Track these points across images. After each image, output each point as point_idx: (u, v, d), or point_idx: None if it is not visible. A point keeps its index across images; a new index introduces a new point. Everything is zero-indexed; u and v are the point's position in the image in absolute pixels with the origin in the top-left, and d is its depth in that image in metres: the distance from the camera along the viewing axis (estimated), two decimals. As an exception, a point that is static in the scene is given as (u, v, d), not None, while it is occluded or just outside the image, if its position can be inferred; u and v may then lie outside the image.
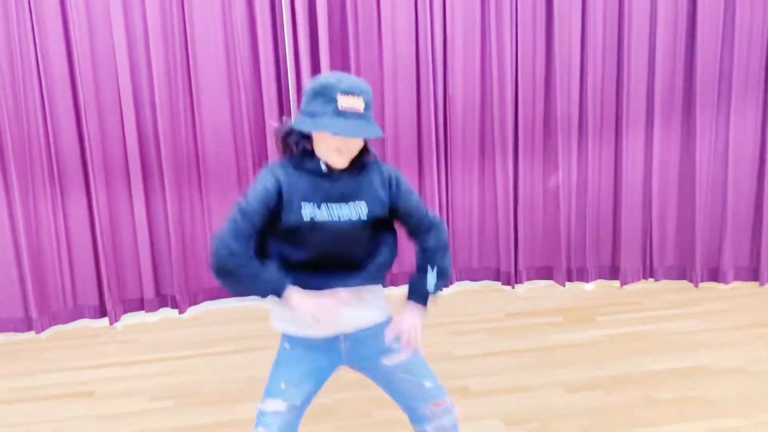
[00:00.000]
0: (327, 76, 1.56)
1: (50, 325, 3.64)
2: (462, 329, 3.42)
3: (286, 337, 1.70)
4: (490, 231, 4.06)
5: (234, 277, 1.53)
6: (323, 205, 1.56)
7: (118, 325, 3.70)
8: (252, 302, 3.94)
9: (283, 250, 1.59)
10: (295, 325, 1.65)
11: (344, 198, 1.58)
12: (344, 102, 1.48)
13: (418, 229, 1.70)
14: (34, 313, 3.54)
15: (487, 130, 3.94)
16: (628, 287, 4.00)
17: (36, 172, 3.51)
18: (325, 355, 1.68)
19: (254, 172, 3.81)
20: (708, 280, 4.00)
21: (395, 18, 3.72)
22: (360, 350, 1.69)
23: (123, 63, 3.50)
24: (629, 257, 4.02)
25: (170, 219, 3.67)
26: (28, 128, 3.46)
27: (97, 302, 3.73)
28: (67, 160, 3.55)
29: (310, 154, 1.57)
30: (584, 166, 3.95)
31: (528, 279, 4.11)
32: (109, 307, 3.67)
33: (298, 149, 1.57)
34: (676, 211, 4.00)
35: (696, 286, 3.95)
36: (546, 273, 4.12)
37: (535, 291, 4.00)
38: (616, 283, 4.06)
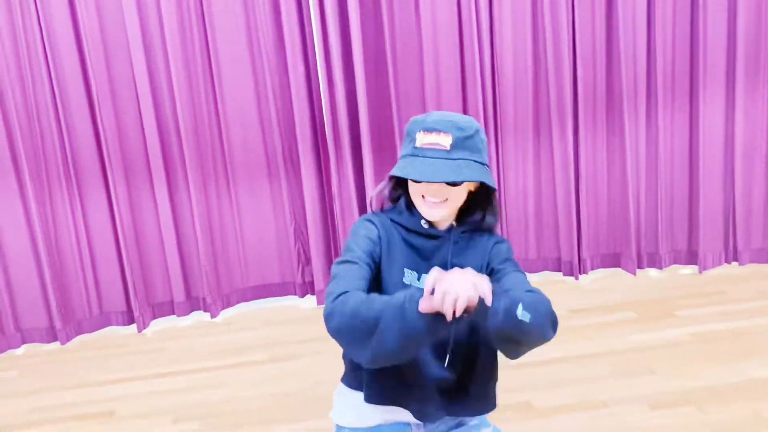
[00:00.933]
0: (422, 115, 1.32)
1: (76, 335, 3.41)
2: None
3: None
4: (549, 216, 3.62)
5: (352, 318, 1.13)
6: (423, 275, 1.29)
7: (147, 331, 3.44)
8: (286, 302, 3.64)
9: None
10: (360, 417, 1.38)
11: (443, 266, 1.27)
12: (424, 138, 1.25)
13: None
14: (58, 323, 3.32)
15: (541, 101, 3.48)
16: (708, 273, 3.53)
17: (51, 171, 3.25)
18: None
19: (285, 163, 3.48)
20: (803, 263, 3.50)
21: (433, -19, 3.30)
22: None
23: (137, 49, 3.19)
24: (709, 239, 3.53)
25: (196, 215, 3.38)
26: (40, 125, 3.19)
27: (124, 308, 3.48)
28: (83, 157, 3.28)
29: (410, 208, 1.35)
30: (654, 137, 3.47)
31: (593, 268, 3.67)
32: (136, 312, 3.41)
33: (398, 205, 1.37)
34: (765, 184, 3.48)
35: (790, 270, 3.45)
36: (614, 260, 3.67)
37: (602, 282, 3.56)
38: (694, 268, 3.58)
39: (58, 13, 3.11)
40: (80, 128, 3.25)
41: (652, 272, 3.61)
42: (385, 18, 3.30)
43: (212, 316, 3.51)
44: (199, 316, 3.55)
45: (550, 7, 3.32)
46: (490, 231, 1.41)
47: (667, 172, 3.53)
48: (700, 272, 3.54)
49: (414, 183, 1.29)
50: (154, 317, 3.53)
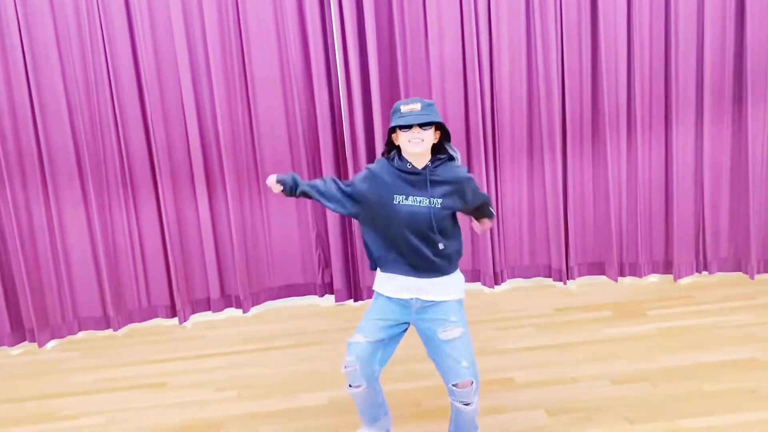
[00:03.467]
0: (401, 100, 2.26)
1: (126, 323, 3.94)
2: (511, 324, 3.50)
3: (377, 293, 2.19)
4: (541, 228, 4.11)
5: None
6: (410, 196, 2.04)
7: (187, 324, 3.95)
8: (308, 301, 4.14)
9: (376, 235, 2.13)
10: (384, 288, 2.17)
11: (423, 190, 2.04)
12: (405, 108, 2.02)
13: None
14: (111, 312, 3.85)
15: (534, 127, 4.00)
16: (682, 281, 3.98)
17: (110, 180, 3.80)
18: (399, 310, 2.13)
19: (309, 175, 4.00)
20: (765, 272, 3.94)
21: (441, 19, 3.83)
22: (426, 315, 2.11)
23: (185, 75, 3.75)
24: (682, 251, 4.00)
25: (232, 222, 3.90)
26: (102, 140, 3.75)
27: (168, 302, 4.00)
28: (137, 167, 3.83)
29: (400, 157, 2.09)
30: (634, 160, 3.96)
31: (580, 275, 4.15)
32: (178, 306, 3.93)
33: (390, 155, 2.12)
34: (729, 203, 3.96)
35: (752, 278, 3.90)
36: (598, 269, 4.14)
37: (586, 287, 4.03)
38: (670, 277, 4.04)
39: (121, 43, 3.68)
40: (136, 143, 3.80)
41: (632, 279, 4.07)
42: (398, 53, 3.84)
43: (244, 311, 4.02)
44: (232, 312, 4.06)
45: (543, 46, 3.84)
46: (452, 159, 2.12)
47: (645, 191, 4.00)
48: (676, 280, 4.00)
49: (403, 132, 2.01)
50: (193, 312, 4.04)
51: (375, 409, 2.20)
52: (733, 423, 2.37)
